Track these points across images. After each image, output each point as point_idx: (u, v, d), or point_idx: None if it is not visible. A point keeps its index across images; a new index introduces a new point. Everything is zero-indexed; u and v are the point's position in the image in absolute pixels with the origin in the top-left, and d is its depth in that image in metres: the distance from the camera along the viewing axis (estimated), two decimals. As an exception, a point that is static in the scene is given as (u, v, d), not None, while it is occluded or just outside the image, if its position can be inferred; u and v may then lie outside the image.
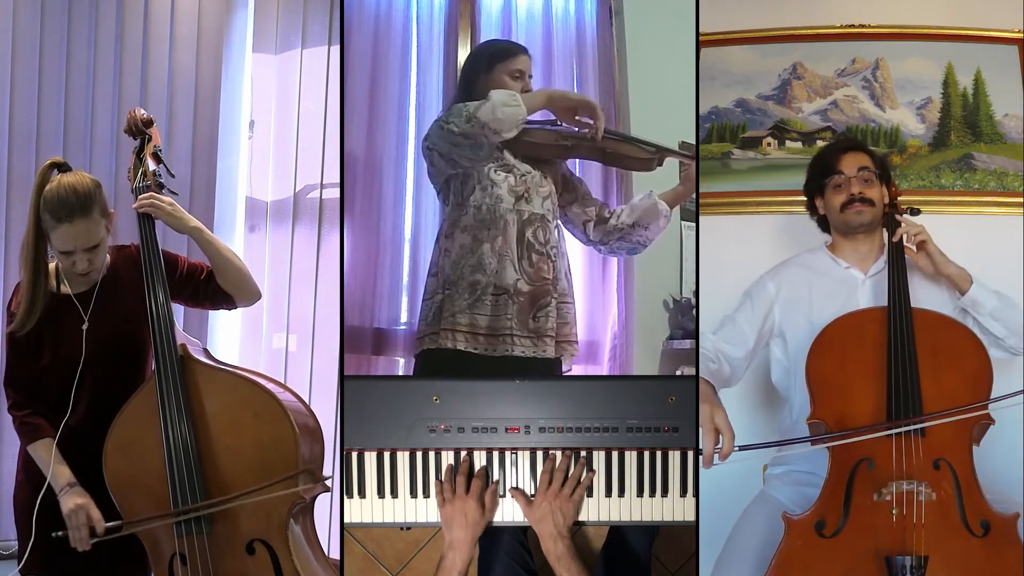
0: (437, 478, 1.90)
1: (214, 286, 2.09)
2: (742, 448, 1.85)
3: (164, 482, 1.88)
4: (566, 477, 1.87)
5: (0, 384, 2.05)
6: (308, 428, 1.96)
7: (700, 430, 1.87)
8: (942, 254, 2.11)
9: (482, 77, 2.40)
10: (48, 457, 1.94)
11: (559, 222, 2.47)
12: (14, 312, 1.99)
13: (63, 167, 1.99)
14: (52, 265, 2.01)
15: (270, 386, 1.97)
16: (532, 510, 1.85)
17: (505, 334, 2.27)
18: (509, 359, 2.26)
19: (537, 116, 2.41)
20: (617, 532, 2.08)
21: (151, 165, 2.06)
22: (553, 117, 2.42)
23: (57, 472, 1.93)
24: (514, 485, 1.90)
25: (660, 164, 2.46)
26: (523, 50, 2.45)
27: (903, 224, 2.10)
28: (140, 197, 2.02)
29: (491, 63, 2.41)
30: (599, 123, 2.34)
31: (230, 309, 2.18)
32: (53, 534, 1.90)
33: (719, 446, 1.85)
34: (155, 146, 2.08)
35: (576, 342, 2.45)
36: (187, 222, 2.03)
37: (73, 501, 1.90)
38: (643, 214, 2.49)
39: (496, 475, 1.91)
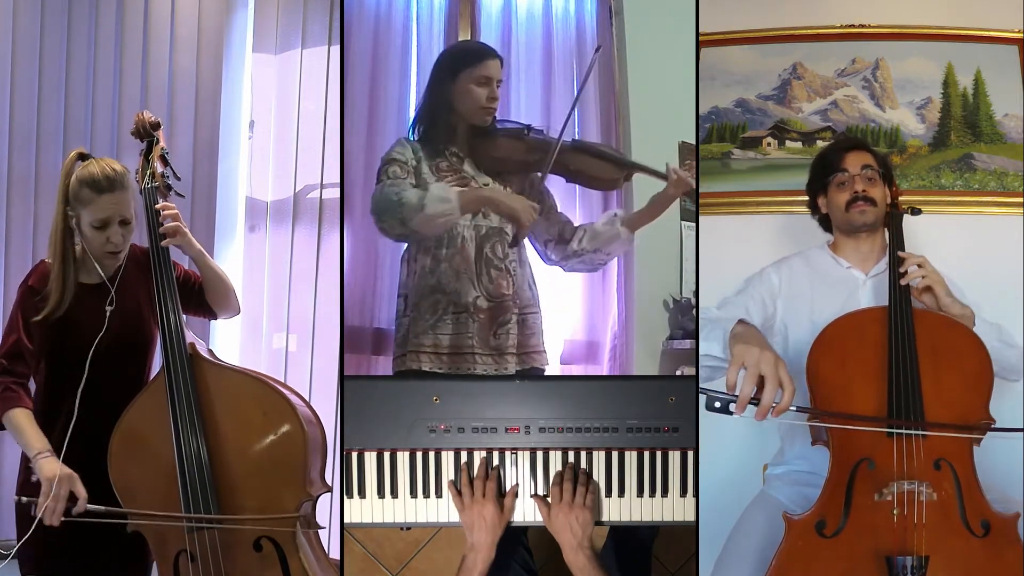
0: (451, 481, 1.90)
1: (202, 297, 2.16)
2: (799, 409, 1.73)
3: (171, 480, 1.89)
4: (576, 486, 1.87)
5: None
6: (314, 430, 1.97)
7: (764, 378, 1.68)
8: (949, 295, 2.03)
9: (447, 85, 2.31)
10: (25, 423, 1.92)
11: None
12: (32, 286, 2.00)
13: (86, 157, 2.03)
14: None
15: (278, 386, 1.99)
16: (551, 522, 1.87)
17: (467, 352, 2.26)
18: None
19: (507, 124, 2.37)
20: (611, 543, 2.09)
21: (159, 167, 2.08)
22: (521, 125, 2.37)
23: (35, 437, 1.91)
24: (516, 483, 1.91)
25: (627, 180, 2.40)
26: (492, 53, 2.34)
27: (911, 262, 2.02)
28: (166, 223, 2.03)
29: (455, 69, 2.31)
30: (521, 232, 2.30)
31: (209, 319, 2.25)
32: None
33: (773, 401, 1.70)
34: (162, 148, 2.12)
35: (544, 352, 2.40)
36: (194, 244, 2.09)
37: (59, 468, 1.86)
38: (605, 242, 2.42)
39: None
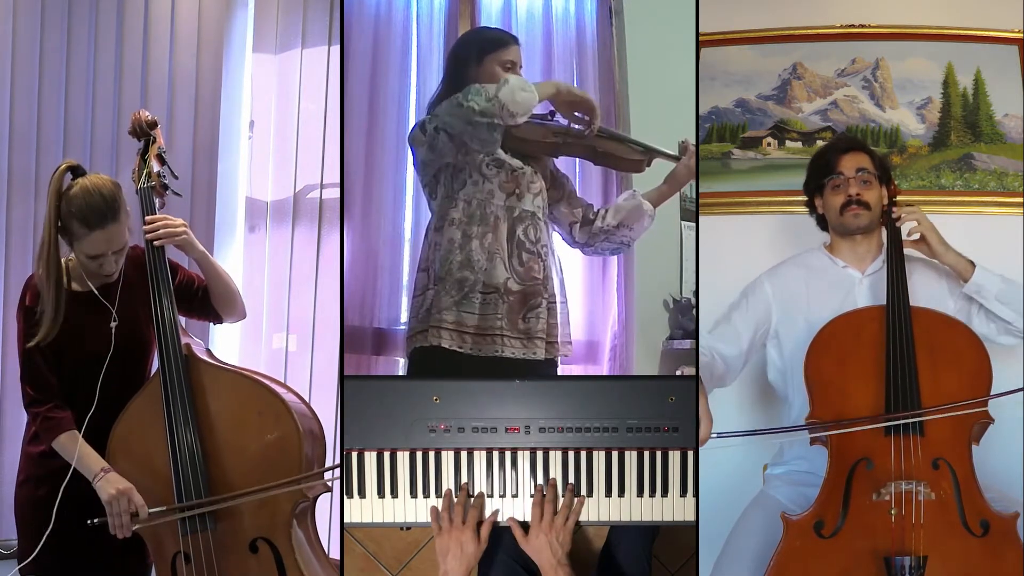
0: (433, 507, 1.88)
1: (206, 300, 2.14)
2: (720, 435, 1.85)
3: (168, 481, 1.89)
4: (559, 507, 1.87)
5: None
6: (311, 428, 1.97)
7: None
8: (943, 242, 2.09)
9: (472, 68, 2.33)
10: (75, 446, 1.93)
11: (548, 220, 2.44)
12: (30, 307, 1.98)
13: (77, 171, 1.99)
14: (63, 261, 2.01)
15: (273, 386, 1.99)
16: (528, 543, 1.84)
17: (495, 334, 2.24)
18: (498, 360, 2.23)
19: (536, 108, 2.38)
20: (610, 543, 2.08)
21: (155, 167, 2.07)
22: (545, 111, 2.39)
23: (90, 459, 1.92)
24: (514, 493, 1.90)
25: (648, 165, 2.43)
26: (514, 40, 2.39)
27: (903, 211, 2.09)
28: (150, 226, 2.01)
29: (481, 54, 2.34)
30: (595, 122, 2.33)
31: (215, 323, 2.23)
32: (89, 522, 1.89)
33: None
34: (159, 147, 2.10)
35: (569, 343, 2.41)
36: (197, 246, 2.07)
37: (115, 487, 1.89)
38: (627, 215, 2.45)
39: (496, 476, 1.91)
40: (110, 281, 2.03)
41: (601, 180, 3.09)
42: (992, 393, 1.89)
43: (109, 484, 1.89)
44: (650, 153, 2.41)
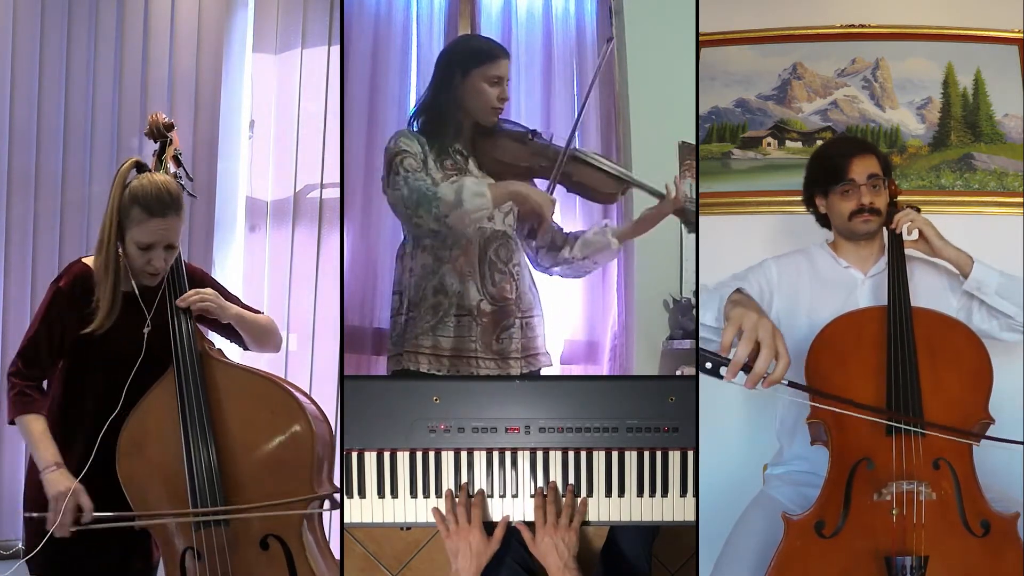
0: (435, 508, 1.88)
1: (231, 327, 2.11)
2: (792, 384, 1.70)
3: (179, 477, 1.89)
4: (561, 507, 1.87)
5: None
6: (322, 428, 1.97)
7: (760, 345, 1.63)
8: (941, 238, 2.09)
9: (457, 81, 2.30)
10: (38, 431, 1.91)
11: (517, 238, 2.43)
12: (62, 288, 1.96)
13: (142, 167, 2.01)
14: None
15: (286, 385, 1.99)
16: (536, 546, 1.85)
17: (469, 356, 2.26)
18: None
19: (511, 125, 2.39)
20: (612, 540, 2.08)
21: (171, 168, 2.08)
22: (525, 129, 2.38)
23: (46, 449, 1.90)
24: (514, 493, 1.91)
25: (623, 194, 2.43)
26: (503, 53, 2.35)
27: (899, 216, 2.09)
28: (185, 297, 1.99)
29: (467, 67, 2.31)
30: (541, 228, 2.36)
31: (244, 349, 2.19)
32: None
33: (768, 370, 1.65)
34: (175, 149, 2.11)
35: (546, 353, 2.42)
36: (228, 311, 2.05)
37: (64, 484, 1.86)
38: (595, 251, 2.45)
39: (496, 476, 1.91)
40: (152, 284, 2.02)
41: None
42: (991, 393, 1.89)
43: (59, 481, 1.86)
44: (625, 184, 2.39)
